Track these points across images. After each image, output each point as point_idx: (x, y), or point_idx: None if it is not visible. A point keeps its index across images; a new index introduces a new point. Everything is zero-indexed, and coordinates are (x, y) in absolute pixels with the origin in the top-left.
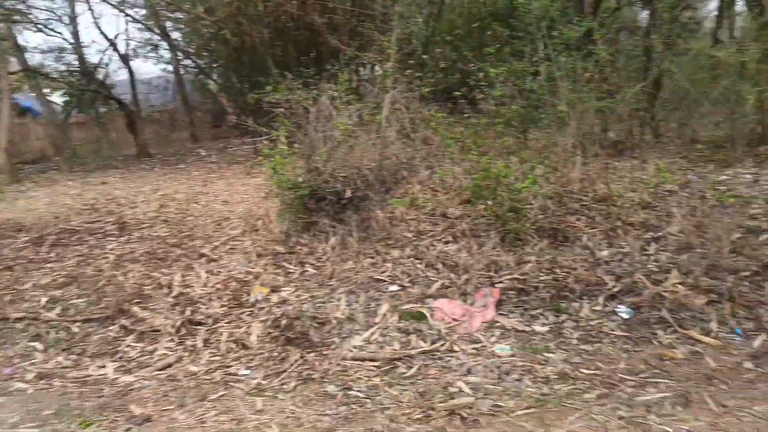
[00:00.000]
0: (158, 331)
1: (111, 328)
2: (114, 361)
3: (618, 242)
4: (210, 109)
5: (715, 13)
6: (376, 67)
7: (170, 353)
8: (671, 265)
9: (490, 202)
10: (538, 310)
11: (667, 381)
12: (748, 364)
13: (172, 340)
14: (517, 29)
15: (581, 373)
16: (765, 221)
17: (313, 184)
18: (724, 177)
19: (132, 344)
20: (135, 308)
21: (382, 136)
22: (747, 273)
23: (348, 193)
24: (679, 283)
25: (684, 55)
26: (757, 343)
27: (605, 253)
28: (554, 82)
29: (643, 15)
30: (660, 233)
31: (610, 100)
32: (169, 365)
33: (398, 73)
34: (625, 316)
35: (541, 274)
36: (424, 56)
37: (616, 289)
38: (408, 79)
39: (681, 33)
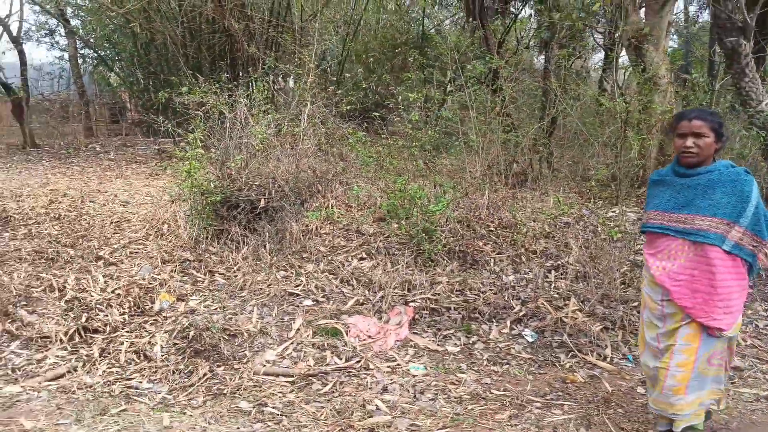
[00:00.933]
0: (48, 337)
1: None
2: None
3: (522, 268)
4: (108, 103)
5: (601, 64)
6: (289, 80)
7: (62, 362)
8: (570, 293)
9: (404, 222)
10: (450, 331)
11: (570, 403)
12: (640, 389)
13: (64, 348)
14: (430, 58)
15: (492, 393)
16: None
17: (227, 190)
18: (612, 214)
19: (17, 351)
20: (21, 311)
21: (300, 148)
22: (635, 303)
23: (262, 203)
24: (578, 310)
25: (577, 99)
26: None
27: (511, 278)
28: (465, 111)
29: (539, 59)
30: (559, 262)
31: (514, 133)
32: (61, 375)
33: (318, 88)
34: (530, 339)
35: (452, 295)
36: (343, 75)
37: (521, 314)
38: (327, 95)
39: (575, 79)
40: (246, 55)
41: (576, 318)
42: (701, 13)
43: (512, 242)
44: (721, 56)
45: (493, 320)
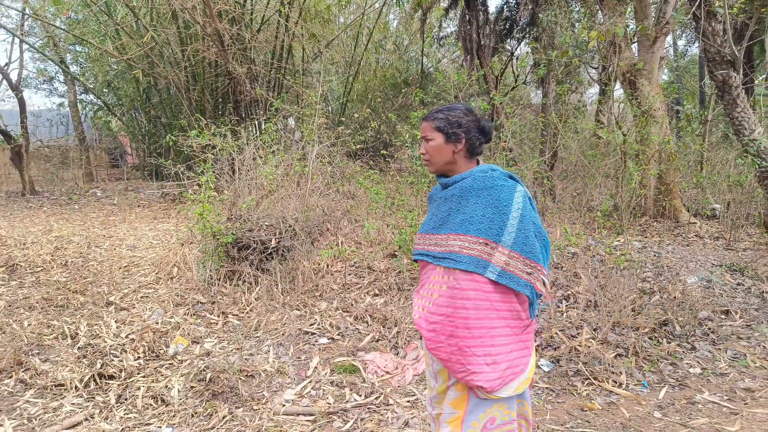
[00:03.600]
0: (62, 385)
1: (6, 382)
2: (12, 419)
3: None
4: (107, 148)
5: (596, 98)
6: (290, 119)
7: (78, 410)
8: (582, 322)
9: None
10: None
11: (590, 431)
12: (657, 414)
13: (79, 396)
14: (430, 95)
15: None
16: (655, 284)
17: (238, 231)
18: (617, 243)
19: (32, 400)
20: (34, 360)
21: (308, 187)
22: (646, 330)
23: (273, 242)
24: (591, 339)
25: (576, 132)
26: (661, 394)
27: None
28: None
29: (537, 94)
30: (569, 292)
31: (517, 168)
32: (78, 423)
33: (325, 127)
34: (546, 369)
35: None
36: (346, 114)
37: (536, 344)
38: (335, 134)
39: (573, 113)
40: (249, 97)
41: (590, 346)
42: (690, 46)
43: None
44: (712, 88)
45: None
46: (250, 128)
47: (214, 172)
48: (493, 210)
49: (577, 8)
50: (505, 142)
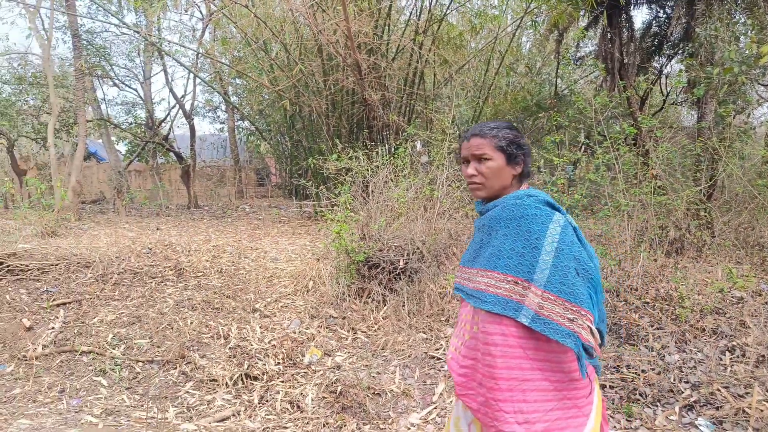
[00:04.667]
0: (216, 380)
1: (171, 372)
2: (175, 407)
3: (688, 347)
4: (256, 168)
5: (766, 119)
6: (417, 143)
7: (227, 405)
8: (752, 380)
9: None
10: (608, 411)
11: None
12: None
13: (229, 392)
14: (566, 119)
15: None
16: None
17: (369, 250)
18: None
19: (191, 391)
20: (194, 355)
21: (437, 211)
22: None
23: (401, 263)
24: (764, 401)
25: (742, 158)
26: None
27: (675, 357)
28: (610, 172)
29: (691, 114)
30: (734, 343)
31: (667, 197)
32: (227, 418)
33: (455, 151)
34: (706, 430)
35: (607, 372)
36: None
37: (692, 399)
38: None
39: (741, 137)
40: (381, 122)
41: (762, 410)
42: None
43: (674, 317)
44: None
45: (658, 404)
46: (382, 152)
47: (350, 192)
48: (524, 243)
49: (743, 20)
50: (653, 169)
